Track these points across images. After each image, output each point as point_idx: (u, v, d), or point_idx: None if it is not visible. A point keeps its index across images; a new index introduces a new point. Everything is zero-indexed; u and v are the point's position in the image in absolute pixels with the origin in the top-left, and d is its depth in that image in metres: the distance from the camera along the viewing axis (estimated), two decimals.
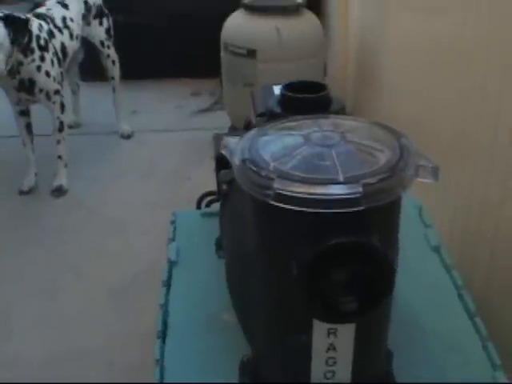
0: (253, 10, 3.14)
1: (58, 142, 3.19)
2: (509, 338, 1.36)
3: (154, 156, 3.48)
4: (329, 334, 0.89)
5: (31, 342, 2.26)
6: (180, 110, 4.10)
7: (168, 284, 1.34)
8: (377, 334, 0.94)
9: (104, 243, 2.75)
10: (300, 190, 0.78)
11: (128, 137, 3.74)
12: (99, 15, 3.52)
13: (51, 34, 3.08)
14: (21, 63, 2.91)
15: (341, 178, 0.79)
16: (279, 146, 0.89)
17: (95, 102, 4.02)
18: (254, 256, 0.91)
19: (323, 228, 0.78)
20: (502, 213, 1.47)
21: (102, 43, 3.55)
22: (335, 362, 0.91)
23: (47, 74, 3.00)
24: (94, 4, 3.47)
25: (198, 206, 1.59)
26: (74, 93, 3.85)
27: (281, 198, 0.79)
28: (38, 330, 2.32)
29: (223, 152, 0.94)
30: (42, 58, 2.97)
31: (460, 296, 1.28)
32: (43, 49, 2.98)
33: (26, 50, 2.91)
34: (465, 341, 1.18)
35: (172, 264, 1.40)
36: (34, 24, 3.00)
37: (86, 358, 2.14)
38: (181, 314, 1.26)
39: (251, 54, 3.04)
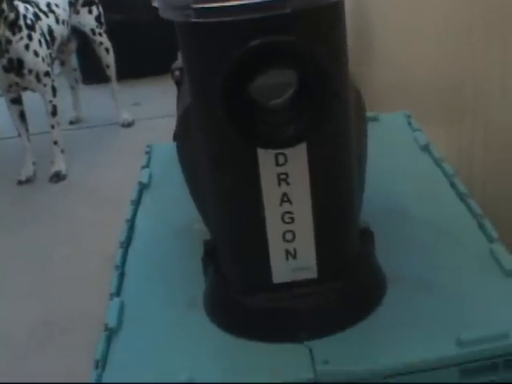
0: None
1: (53, 126, 3.11)
2: None
3: (154, 140, 3.38)
4: (279, 181, 0.78)
5: (26, 310, 2.19)
6: None
7: (137, 203, 1.27)
8: (335, 179, 0.83)
9: (99, 218, 2.67)
10: None
11: (129, 125, 3.65)
12: (88, 3, 3.45)
13: (37, 16, 3.02)
14: (9, 41, 2.85)
15: None
16: None
17: (96, 100, 3.94)
18: (190, 106, 0.81)
19: (250, 36, 0.68)
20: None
21: (93, 31, 3.48)
22: (293, 219, 0.81)
23: (35, 53, 2.93)
24: None
25: (175, 139, 1.52)
26: (73, 88, 3.77)
27: (201, 13, 0.70)
28: (32, 298, 2.25)
29: (154, 4, 0.84)
30: (30, 37, 2.91)
31: (452, 184, 1.20)
32: (30, 28, 2.92)
33: (14, 27, 2.85)
34: (458, 223, 1.09)
35: (143, 186, 1.35)
36: (20, 5, 2.95)
37: (78, 319, 2.07)
38: (147, 228, 1.19)
39: None
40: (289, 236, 0.82)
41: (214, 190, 0.83)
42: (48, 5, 3.13)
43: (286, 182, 0.78)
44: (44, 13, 3.08)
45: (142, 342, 0.90)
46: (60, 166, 3.12)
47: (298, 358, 0.82)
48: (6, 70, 2.90)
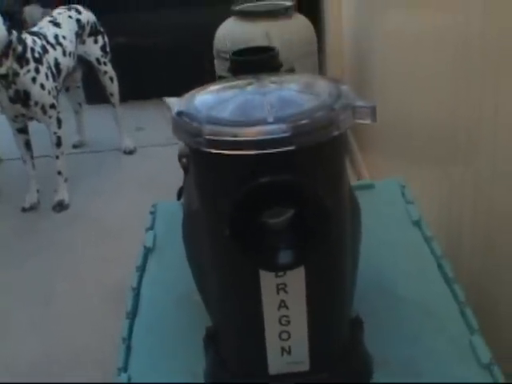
0: (242, 15, 3.13)
1: (57, 157, 3.21)
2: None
3: (156, 169, 3.49)
4: (278, 290, 0.86)
5: (27, 344, 2.28)
6: None
7: (142, 269, 1.34)
8: (330, 290, 0.91)
9: (101, 251, 2.77)
10: (229, 133, 0.77)
11: (130, 152, 3.75)
12: (94, 33, 3.54)
13: (44, 49, 3.12)
14: (16, 74, 2.94)
15: (270, 119, 0.77)
16: (215, 98, 0.88)
17: (100, 123, 4.04)
18: (198, 212, 0.89)
19: (254, 170, 0.76)
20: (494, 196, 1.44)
21: (98, 60, 3.58)
22: (289, 321, 0.89)
23: (42, 86, 3.02)
24: (88, 22, 3.50)
25: (179, 197, 1.59)
26: (77, 112, 3.87)
27: (211, 143, 0.77)
28: (34, 333, 2.34)
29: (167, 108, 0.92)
30: (37, 70, 3.00)
31: (439, 265, 1.25)
32: (38, 61, 3.02)
33: (22, 60, 2.94)
34: (442, 307, 1.15)
35: (148, 250, 1.40)
36: (28, 38, 3.03)
37: (79, 357, 2.15)
38: (152, 297, 1.26)
39: None
40: (284, 336, 0.89)
41: (216, 290, 0.91)
42: (56, 37, 3.22)
43: (284, 291, 0.86)
44: (51, 45, 3.16)
45: None
46: (63, 195, 3.21)
47: None
48: (13, 101, 2.99)
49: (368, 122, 0.82)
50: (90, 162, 3.70)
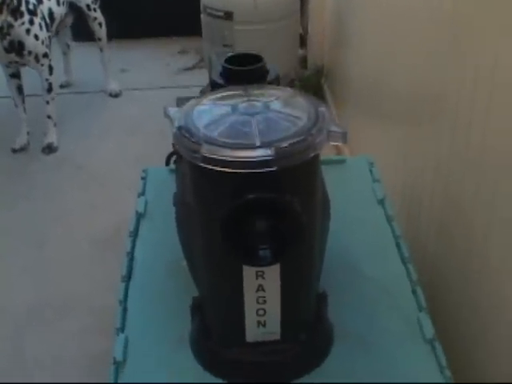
0: None
1: (47, 102, 3.33)
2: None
3: (141, 114, 3.60)
4: (257, 276, 1.03)
5: (21, 288, 2.41)
6: (167, 68, 4.20)
7: (135, 234, 1.47)
8: (301, 277, 1.08)
9: (89, 197, 2.89)
10: (223, 153, 0.92)
11: (116, 95, 3.86)
12: None
13: (39, 0, 3.19)
14: (11, 25, 3.03)
15: (257, 143, 0.93)
16: (210, 114, 1.03)
17: (86, 62, 4.11)
18: (192, 209, 1.05)
19: (243, 185, 0.93)
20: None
21: (89, 6, 3.66)
22: (265, 301, 1.06)
23: (36, 37, 3.12)
24: None
25: (167, 163, 1.69)
26: (65, 53, 3.96)
27: (207, 160, 0.93)
28: (25, 277, 2.46)
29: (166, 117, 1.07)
30: (31, 22, 3.09)
31: (397, 245, 1.40)
32: (32, 13, 3.10)
33: (16, 13, 3.03)
34: (396, 285, 1.31)
35: (140, 216, 1.52)
36: None
37: (70, 302, 2.29)
38: (144, 261, 1.39)
39: (228, 16, 3.15)
40: (261, 312, 1.07)
41: (205, 275, 1.09)
42: None
43: (262, 277, 1.03)
44: None
45: (143, 375, 1.15)
46: (53, 138, 3.35)
47: None
48: (7, 50, 3.09)
49: (339, 144, 0.98)
50: (76, 103, 3.81)
